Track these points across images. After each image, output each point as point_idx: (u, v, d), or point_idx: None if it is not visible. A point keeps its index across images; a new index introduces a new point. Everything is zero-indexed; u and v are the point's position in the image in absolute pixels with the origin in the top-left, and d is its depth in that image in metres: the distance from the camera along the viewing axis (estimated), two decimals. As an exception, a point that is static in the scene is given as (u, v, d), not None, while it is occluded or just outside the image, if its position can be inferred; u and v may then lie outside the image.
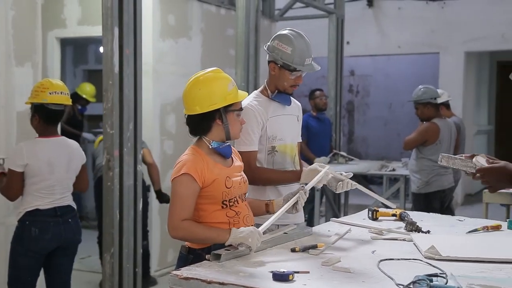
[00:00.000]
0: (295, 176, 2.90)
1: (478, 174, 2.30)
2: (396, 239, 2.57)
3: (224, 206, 2.46)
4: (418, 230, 2.69)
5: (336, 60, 7.63)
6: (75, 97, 7.25)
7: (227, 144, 2.54)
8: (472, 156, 2.39)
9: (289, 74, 2.94)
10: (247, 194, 2.68)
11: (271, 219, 2.45)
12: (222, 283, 1.93)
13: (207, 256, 2.21)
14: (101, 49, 3.92)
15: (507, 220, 2.88)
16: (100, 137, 5.21)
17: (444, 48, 9.60)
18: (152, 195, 5.47)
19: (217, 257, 2.18)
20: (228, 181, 2.47)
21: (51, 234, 3.62)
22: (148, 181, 5.32)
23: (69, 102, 3.75)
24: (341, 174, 2.83)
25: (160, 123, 5.90)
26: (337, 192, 2.85)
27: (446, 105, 6.30)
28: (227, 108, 2.47)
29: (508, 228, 2.81)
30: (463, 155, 2.44)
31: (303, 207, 2.66)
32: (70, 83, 8.66)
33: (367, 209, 3.07)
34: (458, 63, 9.52)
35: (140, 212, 3.99)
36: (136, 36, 3.91)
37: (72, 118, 7.38)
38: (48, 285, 3.81)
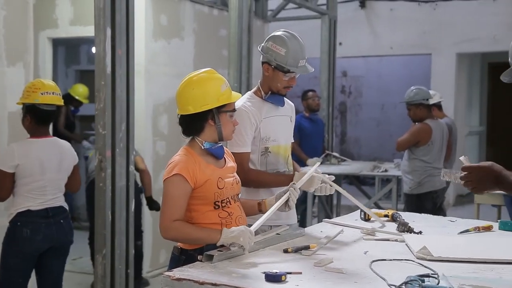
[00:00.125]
0: (288, 180, 2.87)
1: (463, 173, 2.29)
2: (388, 240, 2.58)
3: (217, 207, 2.46)
4: (410, 230, 2.70)
5: (329, 61, 7.64)
6: (68, 98, 7.21)
7: (220, 145, 2.54)
8: None
9: (283, 75, 2.94)
10: (240, 195, 2.67)
11: (263, 218, 2.45)
12: (215, 284, 1.93)
13: (199, 257, 2.21)
14: (93, 50, 3.91)
15: (498, 220, 2.90)
16: None
17: (436, 49, 9.64)
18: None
19: (210, 258, 2.18)
20: (220, 182, 2.47)
21: (43, 235, 3.61)
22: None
23: (60, 102, 3.73)
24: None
25: (153, 124, 5.88)
26: (315, 194, 2.85)
27: (438, 106, 6.33)
28: (220, 109, 2.48)
29: (499, 229, 2.82)
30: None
31: (296, 208, 2.65)
32: (62, 83, 8.61)
33: (359, 210, 3.08)
34: (450, 64, 9.56)
35: (132, 213, 3.98)
36: (129, 36, 3.90)
37: (65, 119, 7.35)
38: (39, 286, 3.79)
